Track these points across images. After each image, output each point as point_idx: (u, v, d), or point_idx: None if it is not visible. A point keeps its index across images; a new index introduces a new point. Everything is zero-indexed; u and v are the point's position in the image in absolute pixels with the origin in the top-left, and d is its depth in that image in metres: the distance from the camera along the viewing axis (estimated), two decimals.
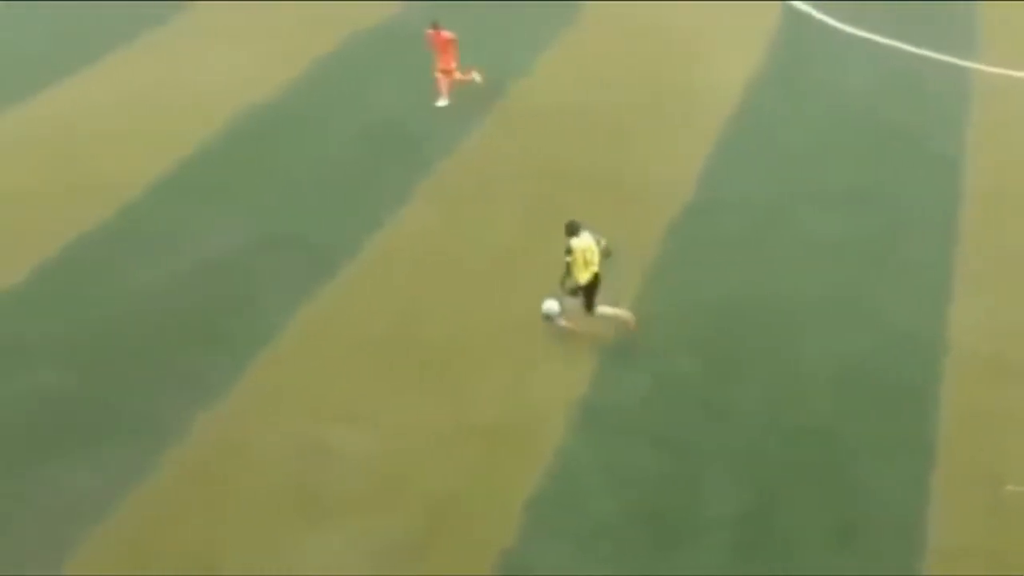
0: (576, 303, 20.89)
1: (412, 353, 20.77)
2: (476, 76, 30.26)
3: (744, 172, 26.68)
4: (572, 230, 20.47)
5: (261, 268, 23.18)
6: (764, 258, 23.47)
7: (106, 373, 20.18)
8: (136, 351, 20.74)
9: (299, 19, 35.15)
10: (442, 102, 29.87)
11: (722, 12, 35.70)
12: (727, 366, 20.41)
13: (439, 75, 29.89)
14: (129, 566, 16.32)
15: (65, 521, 17.05)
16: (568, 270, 20.47)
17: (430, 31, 29.82)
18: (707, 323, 21.52)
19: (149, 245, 23.88)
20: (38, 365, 20.36)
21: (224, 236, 24.06)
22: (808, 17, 35.65)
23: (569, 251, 20.36)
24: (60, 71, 31.47)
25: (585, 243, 20.48)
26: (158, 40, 33.78)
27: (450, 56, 29.69)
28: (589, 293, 20.73)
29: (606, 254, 20.81)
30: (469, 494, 17.66)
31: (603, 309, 20.94)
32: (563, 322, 21.04)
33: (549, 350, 20.74)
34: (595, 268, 20.60)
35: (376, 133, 28.52)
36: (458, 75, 29.97)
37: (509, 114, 29.68)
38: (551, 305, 20.96)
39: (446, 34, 29.59)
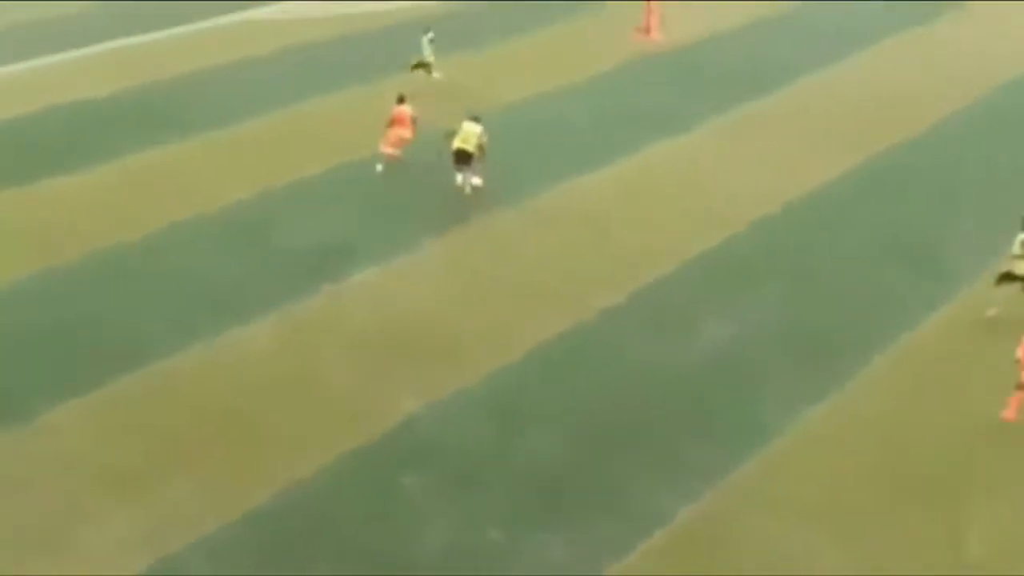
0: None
1: (912, 474, 19.80)
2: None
3: None
4: (474, 118, 29.20)
5: (767, 362, 22.86)
6: None
7: (597, 449, 20.44)
8: (629, 432, 20.91)
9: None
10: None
11: None
12: None
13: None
14: None
15: None
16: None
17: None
18: None
19: (661, 325, 24.14)
20: (535, 431, 20.95)
21: (735, 322, 23.99)
22: None
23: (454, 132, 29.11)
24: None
25: (471, 128, 28.95)
26: None
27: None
28: (455, 158, 29.09)
29: (480, 147, 28.92)
30: None
31: (460, 177, 29.33)
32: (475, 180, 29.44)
33: None
34: (466, 146, 28.77)
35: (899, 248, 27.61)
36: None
37: None
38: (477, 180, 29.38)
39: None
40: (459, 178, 29.42)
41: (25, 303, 24.82)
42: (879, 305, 25.03)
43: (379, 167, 30.63)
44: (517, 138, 32.48)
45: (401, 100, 30.84)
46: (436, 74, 36.39)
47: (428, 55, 36.48)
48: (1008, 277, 23.68)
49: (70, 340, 23.38)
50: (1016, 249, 23.65)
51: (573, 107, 36.07)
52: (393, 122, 30.71)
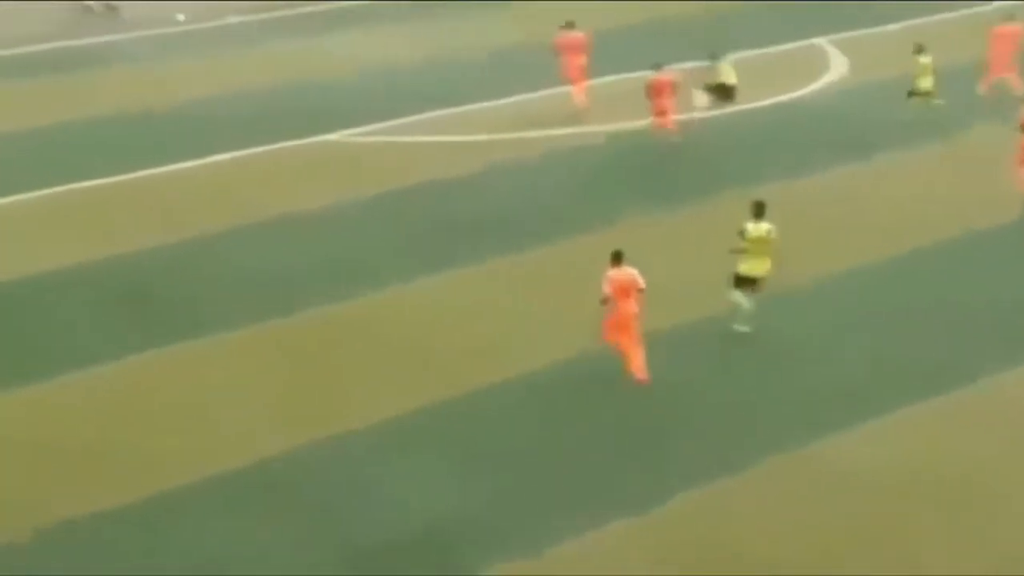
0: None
1: None
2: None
3: None
4: (712, 55, 34.69)
5: None
6: None
7: None
8: None
9: None
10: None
11: None
12: None
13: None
14: None
15: None
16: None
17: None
18: None
19: None
20: None
21: None
22: None
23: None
24: None
25: (727, 67, 34.41)
26: None
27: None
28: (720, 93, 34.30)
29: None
30: None
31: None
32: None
33: None
34: (729, 80, 34.10)
35: None
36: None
37: None
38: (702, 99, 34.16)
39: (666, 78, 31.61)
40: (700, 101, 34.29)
41: None
42: None
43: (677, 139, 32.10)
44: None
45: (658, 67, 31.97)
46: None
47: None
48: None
49: None
50: None
51: None
52: (655, 92, 31.67)
